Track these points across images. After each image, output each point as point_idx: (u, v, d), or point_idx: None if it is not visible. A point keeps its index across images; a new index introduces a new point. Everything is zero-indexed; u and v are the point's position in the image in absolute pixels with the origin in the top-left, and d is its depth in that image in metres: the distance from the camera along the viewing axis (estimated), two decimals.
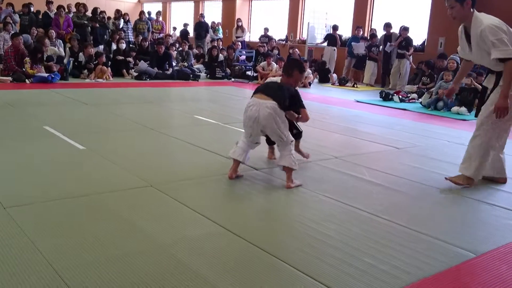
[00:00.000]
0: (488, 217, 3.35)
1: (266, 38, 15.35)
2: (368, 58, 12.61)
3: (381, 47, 12.65)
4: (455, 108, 8.38)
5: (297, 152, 4.28)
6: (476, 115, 4.15)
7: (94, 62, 10.92)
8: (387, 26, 12.28)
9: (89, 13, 13.87)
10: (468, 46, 3.96)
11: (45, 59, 10.18)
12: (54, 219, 2.88)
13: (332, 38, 13.39)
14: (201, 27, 16.15)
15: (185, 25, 17.56)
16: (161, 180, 3.72)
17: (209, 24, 16.35)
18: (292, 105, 3.82)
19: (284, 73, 3.97)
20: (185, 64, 12.71)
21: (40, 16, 13.79)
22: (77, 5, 13.78)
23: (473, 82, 8.51)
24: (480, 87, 8.83)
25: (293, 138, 3.84)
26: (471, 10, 3.83)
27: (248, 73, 12.80)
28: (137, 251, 2.50)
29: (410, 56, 11.73)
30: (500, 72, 3.87)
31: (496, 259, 2.66)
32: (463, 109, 8.28)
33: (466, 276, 2.46)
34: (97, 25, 13.05)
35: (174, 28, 19.38)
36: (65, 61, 10.95)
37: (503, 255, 2.72)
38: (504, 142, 4.06)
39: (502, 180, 4.16)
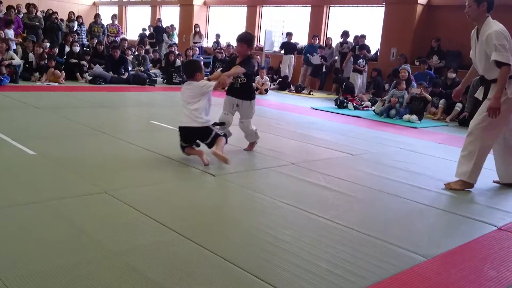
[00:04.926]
0: (438, 221, 3.48)
1: (216, 44, 15.42)
2: (353, 70, 11.79)
3: (336, 56, 12.91)
4: (406, 116, 8.65)
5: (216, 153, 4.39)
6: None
7: (45, 63, 10.59)
8: (345, 34, 12.54)
9: (39, 14, 13.46)
10: (475, 48, 4.23)
11: None
12: (2, 228, 2.76)
13: (289, 46, 13.55)
14: (158, 31, 15.99)
15: (144, 29, 17.28)
16: (115, 186, 3.64)
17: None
18: None
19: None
20: (142, 68, 12.53)
21: None
22: (28, 5, 13.34)
23: (423, 91, 8.83)
24: (430, 97, 9.22)
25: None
26: (486, 14, 4.11)
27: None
28: (90, 259, 2.43)
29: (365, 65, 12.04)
30: (488, 85, 4.20)
31: (445, 263, 2.76)
32: (414, 117, 8.57)
33: (417, 279, 2.53)
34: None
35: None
36: (15, 62, 10.54)
37: (451, 258, 2.83)
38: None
39: None
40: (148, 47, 14.42)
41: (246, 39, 4.86)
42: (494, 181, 4.61)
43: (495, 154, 4.54)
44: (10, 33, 11.98)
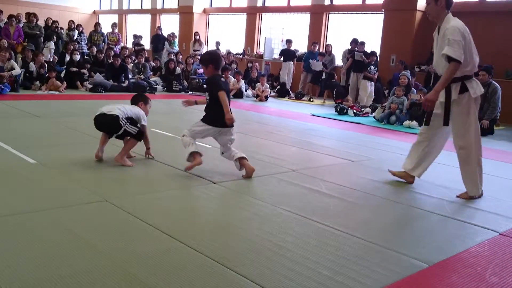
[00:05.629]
0: (440, 228, 3.47)
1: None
2: (363, 77, 11.57)
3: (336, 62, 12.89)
4: (406, 122, 8.66)
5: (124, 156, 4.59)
6: (427, 123, 4.38)
7: (45, 72, 10.61)
8: (354, 42, 12.43)
9: (40, 23, 13.52)
10: (436, 47, 4.18)
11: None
12: (3, 237, 2.76)
13: (288, 53, 13.58)
14: (158, 39, 16.04)
15: (137, 37, 17.07)
16: (116, 195, 3.64)
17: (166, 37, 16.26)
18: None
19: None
20: (142, 76, 12.56)
21: None
22: (28, 14, 13.39)
23: (422, 98, 8.83)
24: None
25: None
26: (445, 11, 4.09)
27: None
28: (91, 269, 2.42)
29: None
30: (449, 86, 4.05)
31: (447, 269, 2.75)
32: (414, 123, 8.57)
33: (419, 286, 2.52)
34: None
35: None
36: (15, 72, 10.58)
37: (453, 265, 2.82)
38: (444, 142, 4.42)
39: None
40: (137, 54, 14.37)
41: (201, 60, 4.54)
42: (389, 171, 4.72)
43: (418, 146, 4.50)
44: (51, 45, 12.37)
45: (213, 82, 4.32)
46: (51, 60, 12.66)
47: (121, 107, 4.60)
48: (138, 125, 4.60)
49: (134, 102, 4.85)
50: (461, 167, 4.24)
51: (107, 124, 4.54)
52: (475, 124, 4.13)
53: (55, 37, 13.63)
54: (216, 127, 4.33)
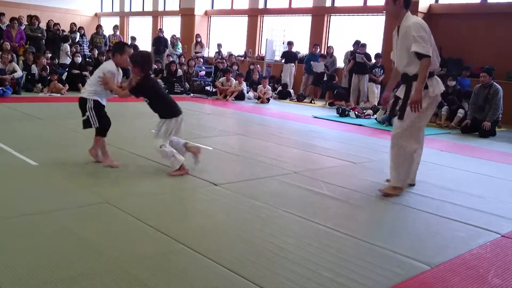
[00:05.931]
0: (442, 230, 3.46)
1: (218, 54, 15.45)
2: (369, 80, 11.76)
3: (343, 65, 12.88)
4: None
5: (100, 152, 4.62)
6: (390, 122, 4.38)
7: (47, 74, 10.63)
8: (357, 43, 12.42)
9: (42, 25, 13.55)
10: (396, 45, 4.21)
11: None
12: (5, 239, 2.76)
13: (289, 55, 13.57)
14: (160, 42, 16.03)
15: (133, 39, 16.93)
16: (117, 196, 3.63)
17: (168, 39, 16.24)
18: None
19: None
20: None
21: None
22: (30, 17, 13.42)
23: None
24: None
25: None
26: (404, 10, 4.11)
27: (207, 88, 12.79)
28: (93, 271, 2.42)
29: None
30: (410, 83, 4.10)
31: (449, 271, 2.74)
32: None
33: (421, 287, 2.52)
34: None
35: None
36: (17, 75, 10.60)
37: (455, 266, 2.81)
38: (422, 139, 4.39)
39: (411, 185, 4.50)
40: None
41: (132, 57, 4.47)
42: (387, 180, 4.55)
43: None
44: (67, 48, 12.89)
45: (136, 86, 4.49)
46: (69, 63, 12.69)
47: (93, 77, 4.58)
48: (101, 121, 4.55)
49: (112, 56, 4.65)
50: (391, 156, 4.25)
51: (79, 105, 4.55)
52: (422, 122, 4.19)
53: (70, 39, 13.70)
54: (176, 117, 4.43)
